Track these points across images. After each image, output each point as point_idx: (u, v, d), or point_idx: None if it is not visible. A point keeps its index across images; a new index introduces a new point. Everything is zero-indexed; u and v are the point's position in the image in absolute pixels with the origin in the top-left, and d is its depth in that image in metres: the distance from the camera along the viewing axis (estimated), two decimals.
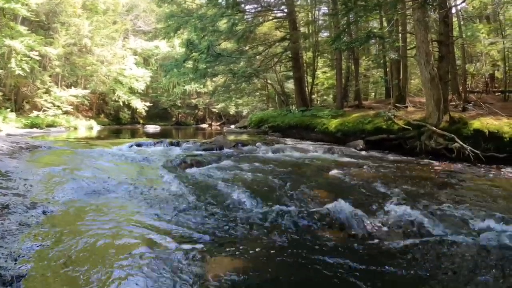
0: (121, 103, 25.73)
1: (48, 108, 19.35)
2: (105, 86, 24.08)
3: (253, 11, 15.62)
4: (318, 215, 3.23)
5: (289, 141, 10.51)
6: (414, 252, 2.53)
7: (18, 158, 5.43)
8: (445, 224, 3.09)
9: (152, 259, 2.26)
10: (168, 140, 8.96)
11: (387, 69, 13.79)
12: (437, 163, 6.71)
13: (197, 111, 34.22)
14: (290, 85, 19.95)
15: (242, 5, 14.33)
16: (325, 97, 21.71)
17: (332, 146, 8.45)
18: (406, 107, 10.07)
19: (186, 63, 13.82)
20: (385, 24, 12.14)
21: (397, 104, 10.12)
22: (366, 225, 3.04)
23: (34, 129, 15.97)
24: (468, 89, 10.73)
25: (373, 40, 14.34)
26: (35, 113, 18.48)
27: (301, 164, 6.36)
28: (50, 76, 21.10)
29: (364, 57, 17.39)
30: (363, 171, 5.67)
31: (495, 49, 11.06)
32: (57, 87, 21.44)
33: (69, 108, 21.14)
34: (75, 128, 19.55)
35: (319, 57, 17.31)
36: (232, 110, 31.31)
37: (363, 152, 8.13)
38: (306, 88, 15.96)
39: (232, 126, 24.12)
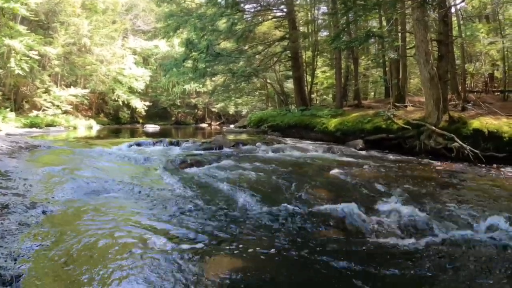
0: (120, 103, 25.69)
1: (47, 107, 19.32)
2: (105, 85, 24.05)
3: (252, 10, 15.61)
4: (318, 215, 3.23)
5: (288, 140, 10.51)
6: (415, 252, 2.54)
7: (18, 158, 5.42)
8: (446, 223, 3.09)
9: (151, 258, 2.26)
10: (167, 139, 8.96)
11: (387, 69, 13.78)
12: (436, 163, 6.71)
13: (196, 110, 34.19)
14: (289, 84, 19.94)
15: (242, 5, 14.31)
16: (324, 96, 21.71)
17: (331, 146, 8.46)
18: (406, 106, 10.08)
19: (186, 62, 13.82)
20: (384, 23, 12.14)
21: (396, 104, 10.12)
22: (366, 225, 3.05)
23: (34, 129, 15.95)
24: (467, 88, 10.73)
25: (372, 40, 14.34)
26: (34, 112, 18.44)
27: (301, 163, 6.37)
28: (49, 75, 21.06)
29: (363, 57, 17.38)
30: (362, 170, 5.67)
31: (494, 48, 11.07)
32: (57, 87, 21.41)
33: (69, 107, 21.10)
34: (75, 128, 19.52)
35: (318, 57, 17.29)
36: (231, 110, 31.28)
37: (363, 152, 8.14)
38: (306, 88, 15.96)
39: (232, 126, 24.11)
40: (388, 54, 10.83)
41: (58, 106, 19.92)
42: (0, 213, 2.79)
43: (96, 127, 22.03)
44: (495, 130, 6.82)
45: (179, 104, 32.00)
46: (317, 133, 11.06)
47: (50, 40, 20.40)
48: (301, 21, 17.61)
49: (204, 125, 31.59)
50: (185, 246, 2.48)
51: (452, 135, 7.07)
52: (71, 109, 21.80)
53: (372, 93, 20.74)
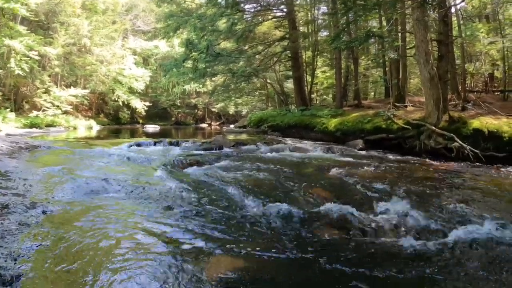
0: (120, 103, 25.70)
1: (47, 108, 19.32)
2: (105, 86, 24.06)
3: (252, 10, 15.62)
4: (318, 215, 3.23)
5: (288, 140, 10.51)
6: (415, 252, 2.54)
7: (18, 158, 5.43)
8: (446, 223, 3.09)
9: (151, 258, 2.26)
10: (167, 139, 8.96)
11: (387, 69, 13.78)
12: (436, 163, 6.71)
13: (196, 110, 34.20)
14: (289, 84, 19.95)
15: (242, 5, 14.32)
16: (324, 96, 21.71)
17: (331, 146, 8.45)
18: (406, 106, 10.08)
19: (186, 62, 13.83)
20: (384, 23, 12.14)
21: (396, 104, 10.12)
22: (366, 225, 3.05)
23: (34, 129, 15.95)
24: (467, 88, 10.73)
25: (372, 40, 14.34)
26: (34, 113, 18.45)
27: (301, 163, 6.36)
28: (49, 76, 21.07)
29: (363, 57, 17.38)
30: (362, 170, 5.67)
31: (494, 48, 11.06)
32: (57, 87, 21.42)
33: (69, 108, 21.11)
34: (75, 128, 19.52)
35: (318, 57, 17.29)
36: (231, 110, 31.29)
37: (363, 152, 8.14)
38: (306, 88, 15.96)
39: (232, 126, 24.11)
40: (388, 54, 10.83)
41: (58, 106, 19.93)
42: (0, 213, 2.79)
43: (96, 127, 22.04)
44: (495, 130, 6.82)
45: (179, 104, 32.01)
46: (317, 133, 11.06)
47: (50, 41, 20.41)
48: (301, 21, 17.61)
49: (204, 125, 31.61)
50: (185, 246, 2.48)
51: (452, 135, 7.06)
52: (71, 110, 21.81)
53: (372, 93, 20.74)
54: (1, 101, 17.62)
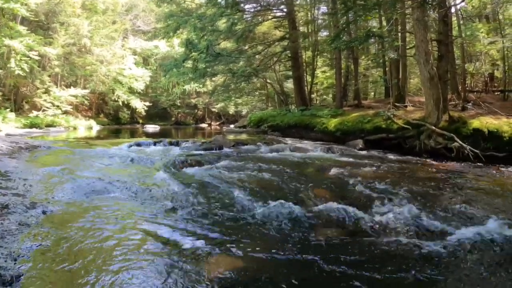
0: (120, 103, 25.70)
1: (47, 108, 19.32)
2: (105, 86, 24.06)
3: (252, 10, 15.62)
4: (318, 215, 3.23)
5: (288, 140, 10.51)
6: (416, 252, 2.53)
7: (18, 158, 5.43)
8: (447, 223, 3.09)
9: (151, 258, 2.26)
10: (167, 139, 8.96)
11: (387, 69, 13.77)
12: (436, 163, 6.71)
13: (196, 110, 34.20)
14: (289, 84, 19.95)
15: (242, 5, 14.32)
16: (324, 96, 21.71)
17: (331, 146, 8.45)
18: (406, 106, 10.07)
19: (186, 62, 13.83)
20: (384, 23, 12.14)
21: (396, 104, 10.12)
22: (366, 225, 3.04)
23: (34, 129, 15.95)
24: (467, 88, 10.73)
25: (372, 40, 14.32)
26: (34, 113, 18.45)
27: (301, 163, 6.36)
28: (49, 76, 21.07)
29: (363, 57, 17.38)
30: (362, 170, 5.67)
31: (494, 48, 11.06)
32: (57, 87, 21.41)
33: (69, 108, 21.11)
34: (75, 128, 19.52)
35: (318, 57, 17.29)
36: (231, 110, 31.29)
37: (363, 152, 8.14)
38: (306, 88, 15.95)
39: (232, 126, 24.11)
40: (388, 54, 10.82)
41: (58, 106, 19.93)
42: (0, 213, 2.79)
43: (96, 127, 22.04)
44: (495, 130, 6.82)
45: (179, 104, 32.01)
46: (317, 133, 11.06)
47: (50, 41, 20.41)
48: (301, 21, 17.61)
49: (204, 125, 31.61)
50: (185, 246, 2.48)
51: (452, 135, 7.06)
52: (71, 110, 21.81)
53: (372, 93, 20.74)
54: (1, 101, 17.62)
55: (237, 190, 4.00)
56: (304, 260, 2.38)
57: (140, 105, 26.61)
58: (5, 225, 2.57)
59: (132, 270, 2.09)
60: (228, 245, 2.56)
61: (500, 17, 12.24)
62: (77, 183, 4.00)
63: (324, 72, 19.41)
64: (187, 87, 26.68)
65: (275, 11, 15.67)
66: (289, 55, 15.61)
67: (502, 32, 11.33)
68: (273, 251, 2.50)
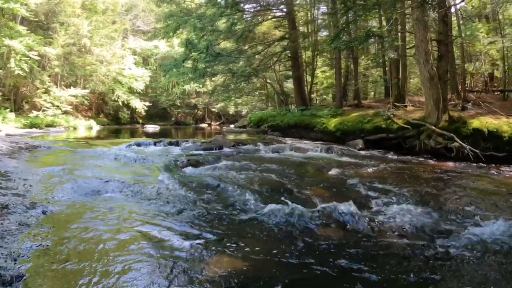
0: (120, 103, 25.69)
1: (47, 108, 19.32)
2: (105, 86, 24.05)
3: (252, 10, 15.61)
4: (318, 215, 3.23)
5: (288, 140, 10.51)
6: (416, 252, 2.53)
7: (18, 158, 5.43)
8: (447, 223, 3.09)
9: (151, 258, 2.26)
10: (167, 139, 8.97)
11: (386, 68, 13.78)
12: (436, 162, 6.72)
13: (196, 110, 34.18)
14: (289, 84, 19.94)
15: (241, 5, 14.31)
16: (324, 96, 21.70)
17: (331, 146, 8.45)
18: (406, 106, 10.08)
19: (185, 62, 13.83)
20: (384, 23, 12.14)
21: (396, 104, 10.12)
22: (365, 224, 3.05)
23: (34, 129, 15.95)
24: (467, 88, 10.73)
25: (372, 39, 14.30)
26: (34, 113, 18.44)
27: (301, 163, 6.37)
28: (49, 76, 21.06)
29: (363, 56, 17.38)
30: (362, 170, 5.67)
31: (494, 48, 11.06)
32: (57, 87, 21.40)
33: (69, 108, 21.10)
34: (75, 128, 19.52)
35: (318, 57, 17.28)
36: (231, 110, 31.28)
37: (363, 152, 8.14)
38: (306, 88, 15.95)
39: (232, 126, 24.10)
40: (388, 54, 10.82)
41: (58, 106, 19.92)
42: (0, 213, 2.79)
43: (96, 127, 22.03)
44: (495, 130, 6.82)
45: (179, 104, 32.01)
46: (317, 133, 11.06)
47: (50, 41, 20.40)
48: (301, 21, 17.60)
49: (204, 125, 31.61)
50: (185, 246, 2.48)
51: (452, 134, 7.06)
52: (71, 110, 21.80)
53: (372, 93, 20.74)
54: (1, 101, 17.62)
55: (237, 190, 4.00)
56: (304, 260, 2.38)
57: (140, 105, 26.60)
58: (5, 225, 2.57)
59: (132, 270, 2.09)
60: (228, 245, 2.56)
61: (500, 17, 12.24)
62: (77, 183, 4.00)
63: (324, 72, 19.40)
64: (187, 87, 26.67)
65: (275, 11, 15.67)
66: (289, 55, 15.61)
67: (502, 32, 11.33)
68: (273, 251, 2.50)
